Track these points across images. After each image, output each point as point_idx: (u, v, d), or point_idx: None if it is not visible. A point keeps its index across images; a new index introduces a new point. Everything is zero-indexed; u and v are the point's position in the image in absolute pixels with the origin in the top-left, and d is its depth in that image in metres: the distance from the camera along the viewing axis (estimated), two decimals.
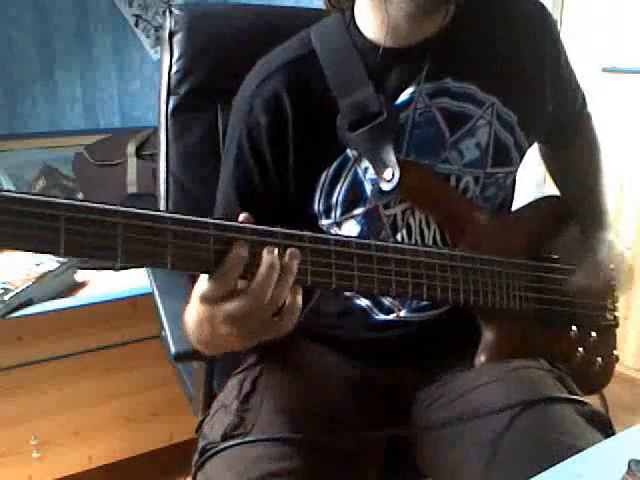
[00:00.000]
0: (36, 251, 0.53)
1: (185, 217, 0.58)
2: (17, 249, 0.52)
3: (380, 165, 0.79)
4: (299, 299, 0.63)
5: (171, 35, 1.14)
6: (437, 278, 0.76)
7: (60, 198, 0.53)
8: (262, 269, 0.60)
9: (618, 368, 0.99)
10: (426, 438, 0.83)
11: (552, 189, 1.06)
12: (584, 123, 1.04)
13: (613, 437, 0.71)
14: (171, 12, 1.14)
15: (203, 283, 0.62)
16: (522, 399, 0.75)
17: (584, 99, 1.01)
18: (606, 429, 0.75)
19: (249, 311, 0.61)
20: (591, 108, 1.03)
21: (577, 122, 1.02)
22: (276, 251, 0.61)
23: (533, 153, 0.97)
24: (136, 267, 0.58)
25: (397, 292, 0.73)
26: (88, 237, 0.53)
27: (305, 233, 0.65)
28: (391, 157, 0.79)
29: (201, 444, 0.80)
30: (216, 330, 0.65)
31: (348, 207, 0.84)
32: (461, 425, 0.77)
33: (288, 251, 0.62)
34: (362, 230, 0.85)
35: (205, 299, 0.62)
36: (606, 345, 0.96)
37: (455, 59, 0.83)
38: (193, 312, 0.68)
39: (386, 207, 0.84)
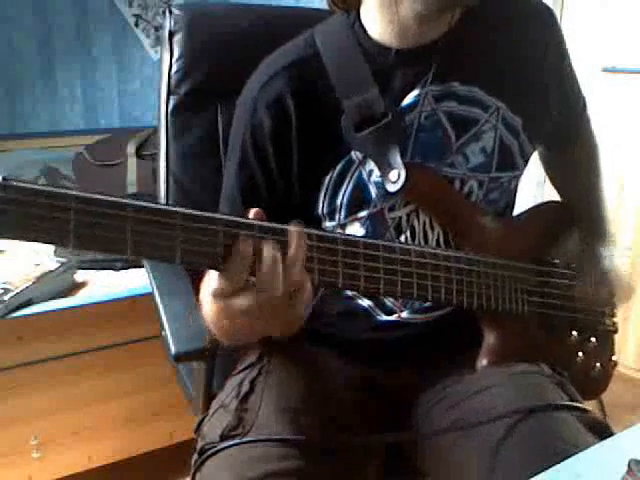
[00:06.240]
0: (45, 242, 0.53)
1: (195, 212, 0.58)
2: (26, 240, 0.52)
3: (386, 166, 0.79)
4: (308, 284, 0.63)
5: (171, 35, 1.14)
6: (442, 279, 0.76)
7: (71, 190, 0.52)
8: (263, 266, 0.60)
9: (618, 368, 0.99)
10: (427, 443, 0.83)
11: (553, 188, 1.06)
12: (584, 127, 1.03)
13: (613, 437, 0.70)
14: (171, 12, 1.14)
15: (213, 280, 0.62)
16: (523, 406, 0.75)
17: (585, 103, 1.01)
18: (606, 437, 0.74)
19: (262, 304, 0.61)
20: (591, 108, 1.03)
21: (578, 126, 1.02)
22: (273, 247, 0.60)
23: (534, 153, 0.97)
24: (141, 265, 0.58)
25: (402, 293, 0.73)
26: (98, 230, 0.53)
27: (312, 231, 0.65)
28: (397, 158, 0.78)
29: (200, 444, 0.80)
30: (234, 322, 0.65)
31: (352, 209, 0.84)
32: (462, 431, 0.77)
33: (292, 240, 0.61)
34: (366, 233, 0.85)
35: (216, 295, 0.62)
36: (605, 351, 0.96)
37: (461, 62, 0.83)
38: (208, 308, 0.69)
39: (391, 210, 0.84)
